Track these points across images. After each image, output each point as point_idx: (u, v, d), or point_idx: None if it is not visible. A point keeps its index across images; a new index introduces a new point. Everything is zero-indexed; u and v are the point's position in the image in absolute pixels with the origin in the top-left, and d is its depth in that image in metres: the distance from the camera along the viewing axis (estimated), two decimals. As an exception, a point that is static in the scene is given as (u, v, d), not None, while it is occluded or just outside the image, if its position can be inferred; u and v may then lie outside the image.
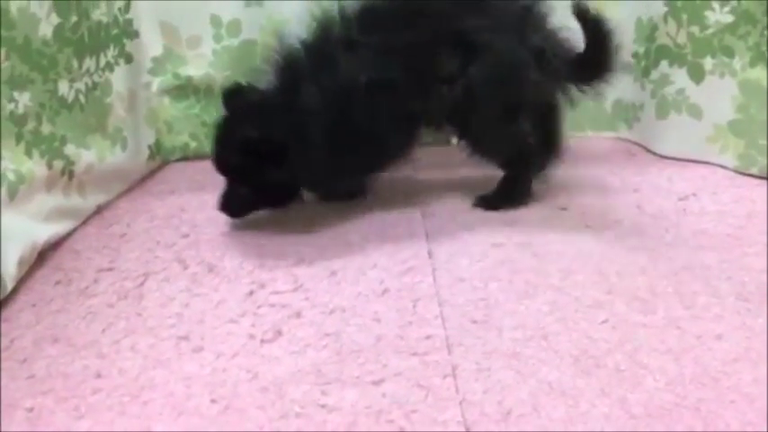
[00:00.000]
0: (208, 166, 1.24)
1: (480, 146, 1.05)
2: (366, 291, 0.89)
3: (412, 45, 0.97)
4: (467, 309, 0.85)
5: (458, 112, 1.01)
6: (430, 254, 0.96)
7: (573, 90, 1.01)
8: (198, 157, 1.28)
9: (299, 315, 0.86)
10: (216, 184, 1.18)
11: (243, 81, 1.03)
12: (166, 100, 1.24)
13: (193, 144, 1.27)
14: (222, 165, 1.02)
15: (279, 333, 0.83)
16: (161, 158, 1.27)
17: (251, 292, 0.91)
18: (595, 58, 0.97)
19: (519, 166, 1.07)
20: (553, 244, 0.96)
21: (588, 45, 0.97)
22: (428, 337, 0.80)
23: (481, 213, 1.05)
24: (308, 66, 0.99)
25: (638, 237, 0.97)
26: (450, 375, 0.74)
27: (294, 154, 0.96)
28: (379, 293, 0.89)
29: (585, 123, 1.25)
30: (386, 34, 0.97)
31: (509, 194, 1.07)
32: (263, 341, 0.82)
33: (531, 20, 0.98)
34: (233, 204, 1.03)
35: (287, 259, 0.97)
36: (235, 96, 1.01)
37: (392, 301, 0.87)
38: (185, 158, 1.29)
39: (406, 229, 1.02)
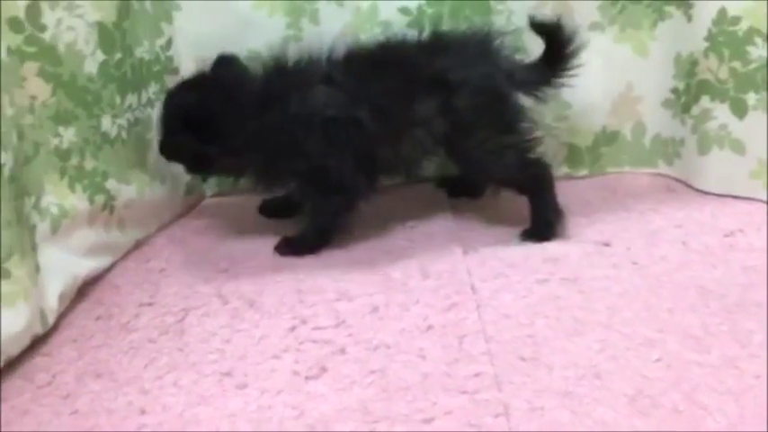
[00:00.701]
0: (243, 202, 1.26)
1: (484, 169, 1.08)
2: (410, 327, 0.88)
3: (386, 91, 1.02)
4: (514, 345, 0.83)
5: (451, 148, 1.05)
6: (473, 289, 0.94)
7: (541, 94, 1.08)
8: (233, 192, 1.28)
9: (342, 351, 0.85)
10: (253, 218, 1.19)
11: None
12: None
13: (229, 180, 1.27)
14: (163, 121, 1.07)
15: (323, 369, 0.82)
16: (198, 194, 1.27)
17: (293, 328, 0.90)
18: (554, 58, 1.05)
19: (534, 186, 1.07)
20: (598, 280, 0.95)
21: (546, 47, 1.05)
22: (477, 375, 0.79)
23: (522, 249, 1.03)
24: (283, 81, 1.04)
25: (685, 273, 0.95)
26: (502, 414, 0.72)
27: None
28: (423, 330, 0.87)
29: (624, 159, 1.23)
30: (362, 78, 1.02)
31: (545, 222, 1.06)
32: (307, 378, 0.81)
33: (493, 50, 1.05)
34: (171, 150, 1.08)
35: (327, 294, 0.96)
36: (223, 65, 1.08)
37: (437, 337, 0.86)
38: (221, 194, 1.29)
39: (447, 264, 1.01)
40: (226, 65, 1.08)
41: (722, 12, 1.05)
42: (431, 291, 0.95)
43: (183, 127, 1.02)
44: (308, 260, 1.05)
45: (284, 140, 1.02)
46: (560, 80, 1.05)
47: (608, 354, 0.81)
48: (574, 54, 1.04)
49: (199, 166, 1.09)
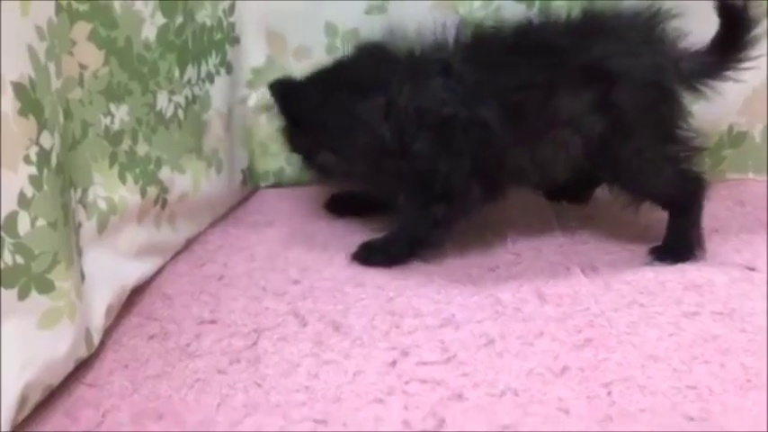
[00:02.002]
0: (305, 195, 1.10)
1: (638, 182, 0.90)
2: (539, 368, 0.72)
3: (522, 83, 0.84)
4: (676, 400, 0.67)
5: (602, 153, 0.86)
6: (608, 322, 0.78)
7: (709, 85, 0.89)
8: (292, 184, 1.12)
9: (460, 396, 0.69)
10: (319, 217, 1.03)
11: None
12: (263, 118, 1.07)
13: (289, 169, 1.11)
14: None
15: (442, 421, 0.66)
16: (253, 184, 1.10)
17: (393, 362, 0.74)
18: (730, 44, 0.87)
19: (686, 204, 0.91)
20: (759, 316, 0.79)
21: (721, 31, 0.87)
22: (640, 440, 0.63)
23: (653, 272, 0.87)
24: (392, 68, 0.87)
25: None
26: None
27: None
28: (556, 372, 0.71)
29: (748, 165, 1.07)
30: (491, 67, 0.85)
31: (685, 243, 0.90)
32: (424, 431, 0.65)
33: (660, 36, 0.87)
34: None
35: (427, 319, 0.80)
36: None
37: (576, 383, 0.70)
38: (277, 185, 1.12)
39: (567, 288, 0.85)
40: (368, 55, 0.91)
41: None
42: (555, 321, 0.79)
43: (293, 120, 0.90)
44: (393, 273, 0.89)
45: (387, 136, 0.85)
46: (731, 71, 0.88)
47: (798, 417, 0.65)
48: (753, 40, 0.86)
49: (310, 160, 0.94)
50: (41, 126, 0.64)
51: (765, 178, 1.09)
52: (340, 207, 1.04)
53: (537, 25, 0.89)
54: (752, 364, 0.72)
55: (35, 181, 0.63)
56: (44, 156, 0.64)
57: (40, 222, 0.64)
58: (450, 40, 0.89)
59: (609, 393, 0.68)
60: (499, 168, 0.88)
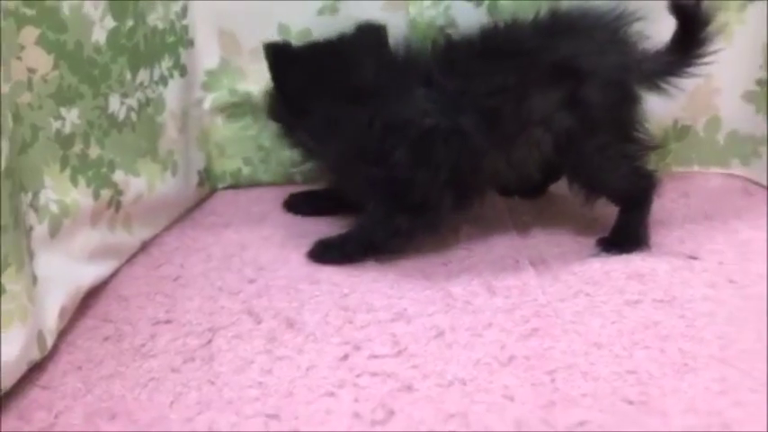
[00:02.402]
0: (262, 195, 1.11)
1: (597, 178, 0.93)
2: (486, 358, 0.74)
3: (496, 87, 0.86)
4: (616, 384, 0.70)
5: (568, 148, 0.88)
6: (554, 311, 0.81)
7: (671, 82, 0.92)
8: (250, 184, 1.13)
9: (409, 388, 0.71)
10: (276, 217, 1.04)
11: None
12: (219, 119, 1.08)
13: (247, 170, 1.11)
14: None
15: (391, 413, 0.68)
16: (209, 185, 1.11)
17: (345, 356, 0.75)
18: (687, 43, 0.90)
19: (638, 199, 0.94)
20: (697, 302, 0.82)
21: (679, 31, 0.89)
22: (581, 424, 0.65)
23: (599, 262, 0.89)
24: (383, 77, 0.88)
25: (791, 294, 0.83)
26: (626, 479, 0.59)
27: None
28: (503, 362, 0.73)
29: (693, 157, 1.11)
30: (467, 75, 0.86)
31: (632, 235, 0.93)
32: (373, 422, 0.66)
33: (625, 35, 0.90)
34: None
35: (379, 313, 0.82)
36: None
37: (521, 371, 0.72)
38: (235, 186, 1.13)
39: (516, 280, 0.87)
40: (367, 36, 0.91)
41: (831, -6, 0.93)
42: (503, 312, 0.81)
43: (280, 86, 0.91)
44: (349, 269, 0.91)
45: (368, 143, 0.87)
46: (689, 69, 0.90)
47: (732, 397, 0.68)
48: (709, 38, 0.89)
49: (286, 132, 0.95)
50: (-12, 130, 0.64)
51: (709, 170, 1.12)
52: (298, 206, 1.05)
53: (504, 28, 0.90)
54: (689, 348, 0.74)
55: (-17, 185, 0.64)
56: (-9, 160, 0.65)
57: (-10, 226, 0.65)
58: (426, 46, 0.91)
59: (553, 380, 0.71)
60: (476, 174, 0.90)
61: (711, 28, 0.89)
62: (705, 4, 0.88)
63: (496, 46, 0.88)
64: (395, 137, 0.86)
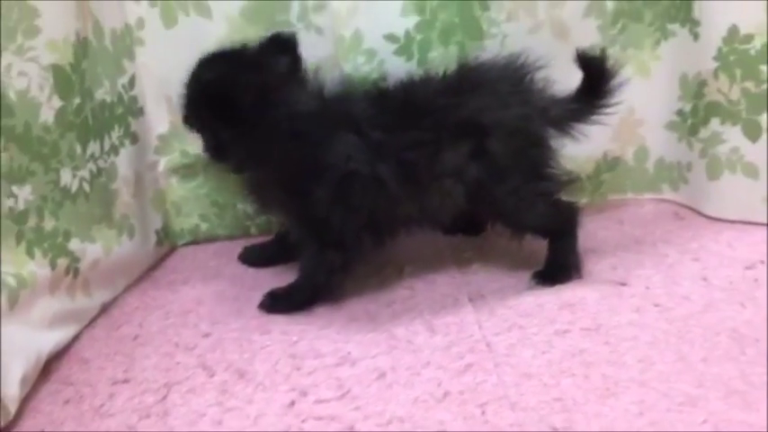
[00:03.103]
0: (220, 250, 1.16)
1: (515, 218, 0.98)
2: (423, 395, 0.79)
3: (412, 142, 0.91)
4: (543, 413, 0.75)
5: (482, 195, 0.94)
6: (488, 346, 0.86)
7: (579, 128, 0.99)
8: (208, 239, 1.18)
9: (351, 428, 0.75)
10: (232, 270, 1.09)
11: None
12: (174, 180, 1.13)
13: (204, 226, 1.17)
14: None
15: (333, 454, 0.72)
16: (169, 243, 1.16)
17: (292, 403, 0.80)
18: (593, 92, 0.96)
19: (562, 231, 0.99)
20: (623, 328, 0.87)
21: (585, 80, 0.96)
22: (507, 453, 0.70)
23: (534, 295, 0.95)
24: (317, 115, 0.92)
25: (712, 314, 0.88)
26: (545, 503, 0.64)
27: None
28: (439, 398, 0.78)
29: (626, 185, 1.16)
30: (389, 127, 0.92)
31: (563, 266, 0.98)
32: (315, 465, 0.71)
33: (528, 84, 0.96)
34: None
35: (326, 359, 0.86)
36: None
37: (456, 406, 0.77)
38: (194, 242, 1.18)
39: (454, 316, 0.92)
40: (278, 48, 0.95)
41: (733, 29, 0.99)
42: (441, 350, 0.86)
43: (204, 102, 0.93)
44: (298, 318, 0.95)
45: (292, 175, 0.92)
46: (596, 115, 0.97)
47: (649, 418, 0.73)
48: (614, 89, 0.95)
49: (212, 148, 0.96)
50: (-60, 216, 0.69)
51: (643, 196, 1.17)
52: (252, 258, 1.10)
53: (420, 83, 0.96)
54: (612, 373, 0.79)
55: (-63, 268, 0.69)
56: (-56, 244, 0.70)
57: (-54, 305, 0.70)
58: (355, 94, 0.97)
59: (483, 413, 0.75)
60: (391, 218, 0.95)
61: (615, 80, 0.95)
62: (610, 59, 0.95)
63: (414, 101, 0.93)
64: (318, 176, 0.91)
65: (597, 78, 0.95)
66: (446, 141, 0.91)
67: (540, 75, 0.96)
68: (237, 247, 1.13)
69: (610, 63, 0.95)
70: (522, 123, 0.94)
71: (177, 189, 1.14)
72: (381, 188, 0.91)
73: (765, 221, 1.06)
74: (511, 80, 0.95)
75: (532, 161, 0.96)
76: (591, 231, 1.07)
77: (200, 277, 1.08)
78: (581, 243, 1.00)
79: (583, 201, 1.15)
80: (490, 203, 0.96)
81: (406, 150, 0.91)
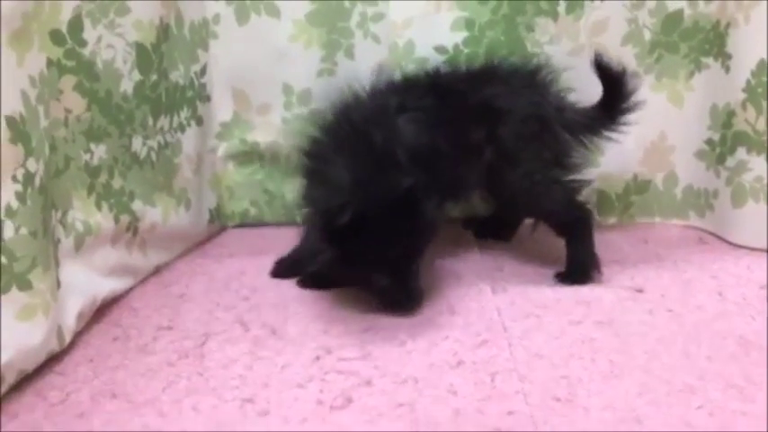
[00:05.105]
0: (267, 233, 1.25)
1: (531, 202, 1.04)
2: (439, 362, 0.85)
3: (445, 119, 0.98)
4: (548, 386, 0.80)
5: (496, 179, 1.01)
6: (504, 328, 0.91)
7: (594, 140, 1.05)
8: (257, 224, 1.27)
9: (369, 383, 0.82)
10: (276, 251, 1.17)
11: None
12: (231, 165, 1.23)
13: (253, 211, 1.26)
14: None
15: (349, 400, 0.78)
16: (220, 223, 1.25)
17: (317, 358, 0.87)
18: (611, 106, 1.02)
19: (575, 229, 1.05)
20: (634, 325, 0.92)
21: (604, 94, 1.02)
22: (510, 413, 0.75)
23: (553, 291, 1.00)
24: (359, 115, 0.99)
25: (723, 323, 0.92)
26: (539, 454, 0.69)
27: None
28: (453, 365, 0.84)
29: (654, 209, 1.22)
30: (425, 106, 0.99)
31: (581, 266, 1.03)
32: (332, 408, 0.77)
33: (542, 82, 1.04)
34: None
35: (354, 326, 0.93)
36: None
37: (468, 373, 0.83)
38: (243, 225, 1.27)
39: (476, 303, 0.98)
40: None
41: (762, 63, 1.05)
42: (461, 328, 0.92)
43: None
44: (333, 293, 1.02)
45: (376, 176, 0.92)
46: (613, 130, 1.03)
47: (647, 398, 0.77)
48: (632, 106, 1.01)
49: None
50: (28, 153, 0.79)
51: (670, 222, 1.22)
52: (284, 271, 1.10)
53: (445, 72, 1.06)
54: (618, 360, 0.84)
55: (20, 196, 0.78)
56: (29, 177, 0.79)
57: (23, 231, 0.79)
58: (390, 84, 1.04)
59: (492, 380, 0.81)
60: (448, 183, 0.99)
61: (635, 97, 1.01)
62: (631, 73, 1.01)
63: (439, 85, 1.02)
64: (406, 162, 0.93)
65: (616, 94, 1.01)
66: (465, 122, 0.99)
67: (561, 82, 1.04)
68: (283, 232, 1.21)
69: (630, 81, 1.01)
70: (533, 109, 1.01)
71: (233, 174, 1.24)
72: (440, 154, 0.96)
73: (787, 251, 1.10)
74: (527, 75, 1.03)
75: (545, 147, 1.02)
76: (615, 245, 1.13)
77: (246, 253, 1.16)
78: (603, 254, 1.06)
79: (611, 220, 1.22)
80: (504, 187, 1.02)
81: (440, 123, 0.97)
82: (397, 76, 1.08)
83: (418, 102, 0.99)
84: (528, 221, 1.13)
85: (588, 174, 1.05)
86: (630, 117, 1.03)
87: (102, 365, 0.86)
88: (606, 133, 1.04)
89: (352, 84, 1.03)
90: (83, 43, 0.92)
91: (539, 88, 1.03)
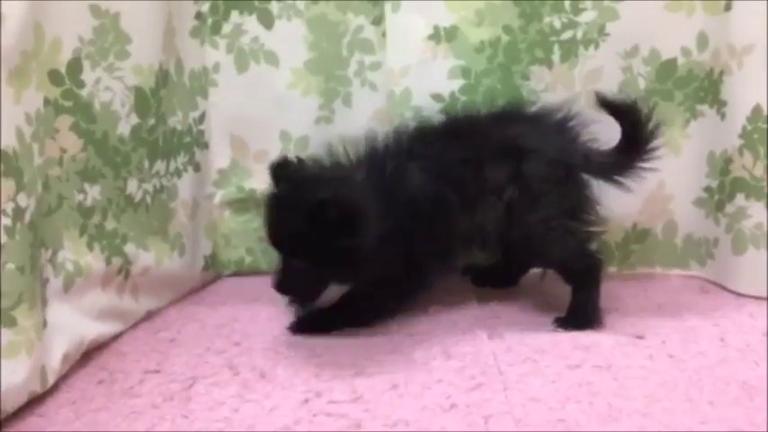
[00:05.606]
0: (262, 282, 1.21)
1: (543, 250, 1.03)
2: (432, 405, 0.82)
3: (459, 159, 0.98)
4: (544, 429, 0.77)
5: (515, 220, 0.99)
6: (500, 372, 0.89)
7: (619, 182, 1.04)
8: (252, 272, 1.25)
9: (358, 426, 0.79)
10: (271, 297, 1.15)
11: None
12: (227, 213, 1.23)
13: (249, 259, 1.25)
14: (283, 234, 0.97)
15: (338, 443, 0.76)
16: (215, 271, 1.24)
17: (306, 401, 0.84)
18: (634, 143, 1.02)
19: (585, 277, 1.03)
20: (633, 369, 0.89)
21: (623, 131, 1.02)
22: (504, 456, 0.72)
23: (551, 337, 0.98)
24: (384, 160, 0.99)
25: (725, 369, 0.90)
26: (533, 496, 0.66)
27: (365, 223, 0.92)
28: (445, 408, 0.82)
29: (655, 259, 1.20)
30: (436, 152, 0.99)
31: (584, 315, 1.01)
32: (320, 450, 0.75)
33: (569, 128, 1.03)
34: (292, 281, 0.97)
35: (345, 370, 0.91)
36: (286, 169, 0.99)
37: (461, 416, 0.80)
38: (239, 273, 1.26)
39: (471, 347, 0.96)
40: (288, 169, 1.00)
41: (757, 109, 1.05)
42: (454, 371, 0.90)
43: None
44: (326, 339, 1.00)
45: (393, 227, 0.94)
46: (641, 166, 1.02)
47: (647, 442, 0.74)
48: (653, 136, 1.01)
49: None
50: (19, 188, 0.79)
51: (671, 272, 1.20)
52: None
53: (464, 115, 1.06)
54: (617, 404, 0.82)
55: (9, 231, 0.78)
56: (19, 212, 0.79)
57: (10, 266, 0.78)
58: (403, 131, 1.03)
59: (486, 423, 0.78)
60: (453, 238, 1.00)
61: (653, 127, 1.01)
62: (641, 103, 1.01)
63: (457, 127, 1.03)
64: (406, 213, 0.95)
65: (632, 127, 1.01)
66: (487, 160, 0.98)
67: (585, 128, 1.03)
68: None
69: (641, 109, 1.00)
70: (561, 155, 1.00)
71: (229, 221, 1.23)
72: (446, 205, 0.96)
73: (790, 299, 1.07)
74: (555, 119, 1.02)
75: (568, 195, 1.01)
76: (615, 294, 1.10)
77: (239, 300, 1.15)
78: (604, 302, 1.04)
79: (611, 269, 1.20)
80: (520, 229, 1.00)
81: (452, 168, 0.97)
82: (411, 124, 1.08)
83: (428, 148, 0.99)
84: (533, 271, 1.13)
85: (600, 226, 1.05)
86: (655, 147, 1.02)
87: (84, 408, 0.84)
88: (637, 168, 1.02)
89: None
90: (81, 84, 0.93)
91: (567, 134, 1.02)
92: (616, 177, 1.03)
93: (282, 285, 0.98)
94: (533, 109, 1.06)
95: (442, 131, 1.03)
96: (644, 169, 1.03)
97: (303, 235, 0.92)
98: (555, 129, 1.02)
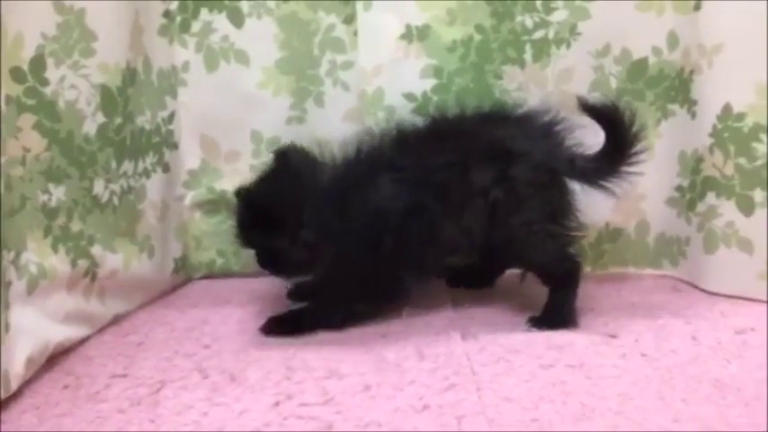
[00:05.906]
0: (233, 284, 1.21)
1: (524, 253, 1.02)
2: (404, 406, 0.81)
3: (444, 166, 0.97)
4: (518, 428, 0.76)
5: (499, 222, 0.98)
6: (473, 372, 0.88)
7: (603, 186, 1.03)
8: (224, 274, 1.23)
9: (330, 427, 0.78)
10: (242, 300, 1.13)
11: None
12: (198, 214, 1.21)
13: (220, 261, 1.23)
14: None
15: (308, 446, 0.74)
16: (185, 274, 1.22)
17: (277, 403, 0.83)
18: (618, 147, 1.01)
19: (563, 280, 1.03)
20: (606, 368, 0.89)
21: (606, 135, 1.01)
22: (477, 456, 0.72)
23: (525, 336, 0.97)
24: (351, 171, 0.98)
25: (698, 367, 0.90)
26: (506, 497, 0.65)
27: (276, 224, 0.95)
28: (418, 409, 0.80)
29: (627, 258, 1.20)
30: (419, 158, 0.98)
31: (559, 315, 1.01)
32: (290, 453, 0.73)
33: (556, 132, 1.02)
34: (269, 260, 1.00)
35: (316, 372, 0.89)
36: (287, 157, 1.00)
37: (434, 417, 0.79)
38: (210, 276, 1.24)
39: (445, 348, 0.95)
40: (288, 158, 1.00)
41: (727, 107, 1.05)
42: (427, 372, 0.88)
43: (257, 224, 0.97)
44: (297, 340, 0.99)
45: (356, 236, 0.96)
46: (626, 169, 1.01)
47: (620, 441, 0.74)
48: (636, 140, 1.00)
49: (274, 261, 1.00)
50: (-21, 188, 0.77)
51: (644, 271, 1.20)
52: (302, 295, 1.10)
53: (449, 116, 1.03)
54: (589, 402, 0.81)
55: (-32, 232, 0.76)
56: (-21, 214, 0.77)
57: (-30, 268, 0.76)
58: (384, 137, 1.01)
59: (459, 423, 0.77)
60: (436, 246, 1.00)
61: (639, 137, 1.00)
62: (624, 106, 1.00)
63: (442, 129, 1.01)
64: (378, 225, 0.95)
65: (615, 130, 1.00)
66: (475, 163, 0.97)
67: (570, 131, 1.01)
68: (250, 282, 1.18)
69: (623, 112, 0.99)
70: (548, 159, 0.99)
71: (200, 223, 1.21)
72: (425, 213, 0.96)
73: (760, 298, 1.07)
74: (541, 124, 1.01)
75: (552, 200, 1.00)
76: (589, 294, 1.09)
77: (210, 303, 1.13)
78: (578, 302, 1.03)
79: (585, 269, 1.19)
80: (502, 231, 0.98)
81: (437, 173, 0.96)
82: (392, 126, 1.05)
83: (409, 156, 0.98)
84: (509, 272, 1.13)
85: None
86: (639, 150, 1.01)
87: (48, 413, 0.82)
88: (622, 171, 1.01)
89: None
90: (44, 82, 0.91)
91: (554, 138, 1.01)
92: (600, 182, 1.02)
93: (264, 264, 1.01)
94: (519, 111, 1.04)
95: (426, 134, 1.02)
96: (628, 173, 1.02)
97: (242, 226, 0.99)
98: (542, 132, 1.01)
